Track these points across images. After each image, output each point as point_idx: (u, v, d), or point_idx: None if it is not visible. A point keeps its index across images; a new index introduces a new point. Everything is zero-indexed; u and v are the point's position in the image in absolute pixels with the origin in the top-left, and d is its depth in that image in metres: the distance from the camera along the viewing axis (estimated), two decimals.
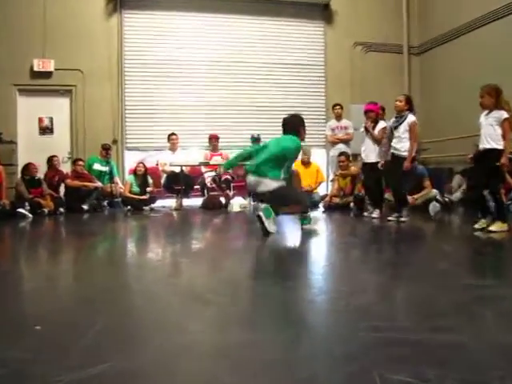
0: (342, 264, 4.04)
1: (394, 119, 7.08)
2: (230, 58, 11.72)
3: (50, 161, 9.86)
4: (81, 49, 10.83)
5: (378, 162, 7.43)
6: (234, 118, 11.67)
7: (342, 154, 9.30)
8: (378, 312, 2.45)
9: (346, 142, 9.99)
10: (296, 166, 10.03)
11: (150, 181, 9.91)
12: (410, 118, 6.86)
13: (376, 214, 7.51)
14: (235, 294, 2.92)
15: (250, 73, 11.83)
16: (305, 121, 6.06)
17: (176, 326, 2.28)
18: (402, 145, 6.86)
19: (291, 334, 2.15)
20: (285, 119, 6.04)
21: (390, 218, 7.02)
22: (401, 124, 6.89)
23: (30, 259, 4.28)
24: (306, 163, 10.10)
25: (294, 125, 5.93)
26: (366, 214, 7.87)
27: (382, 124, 7.59)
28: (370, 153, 7.61)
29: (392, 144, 6.99)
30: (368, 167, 7.68)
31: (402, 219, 6.89)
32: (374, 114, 7.62)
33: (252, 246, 5.12)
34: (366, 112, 7.70)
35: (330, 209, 9.06)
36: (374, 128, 7.56)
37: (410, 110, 6.95)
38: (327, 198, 9.34)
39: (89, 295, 2.91)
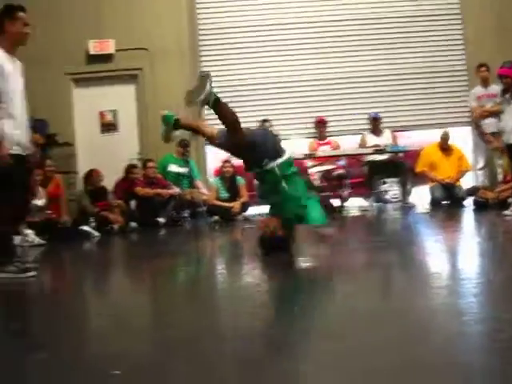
0: (502, 282, 3.89)
1: None
2: (333, 16, 11.63)
3: (131, 169, 10.05)
4: (144, 22, 11.17)
5: None
6: (346, 95, 11.55)
7: None
8: None
9: (496, 114, 9.64)
10: (432, 152, 9.88)
11: (242, 183, 9.96)
12: None
13: None
14: None
15: (361, 34, 11.67)
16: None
17: None
18: None
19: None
20: None
21: None
22: None
23: (97, 291, 4.44)
24: (445, 149, 9.86)
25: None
26: (507, 212, 7.52)
27: None
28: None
29: None
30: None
31: None
32: (510, 79, 7.33)
33: (377, 263, 5.06)
34: (500, 77, 7.45)
35: (479, 206, 8.74)
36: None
37: None
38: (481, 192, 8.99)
39: (169, 337, 2.97)
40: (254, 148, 5.09)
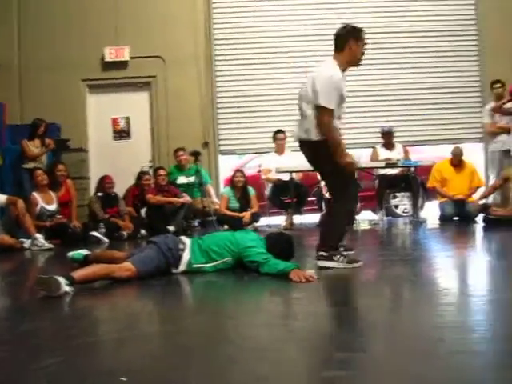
0: None
1: None
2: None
3: (143, 176, 10.03)
4: (160, 30, 11.27)
5: None
6: (358, 108, 11.53)
7: None
8: None
9: (509, 132, 9.64)
10: (444, 168, 9.88)
11: (252, 193, 9.98)
12: None
13: None
14: None
15: (374, 48, 11.56)
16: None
17: None
18: None
19: None
20: None
21: None
22: None
23: (107, 295, 4.46)
24: (457, 164, 9.86)
25: None
26: None
27: None
28: None
29: None
30: None
31: None
32: None
33: (387, 276, 5.06)
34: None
35: (489, 223, 8.75)
36: None
37: None
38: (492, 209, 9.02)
39: (183, 343, 2.99)
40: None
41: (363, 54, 5.38)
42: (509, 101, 8.60)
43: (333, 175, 5.36)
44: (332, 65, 5.30)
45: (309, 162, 5.67)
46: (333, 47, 5.43)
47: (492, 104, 9.92)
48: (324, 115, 5.06)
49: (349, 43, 5.27)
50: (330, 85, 5.12)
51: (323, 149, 5.16)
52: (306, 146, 5.42)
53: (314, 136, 5.19)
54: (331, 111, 5.08)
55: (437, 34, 11.71)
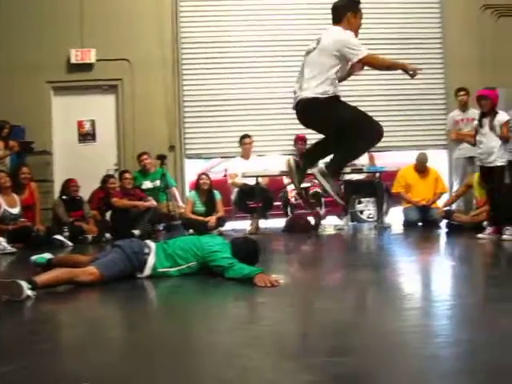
0: (476, 304, 3.92)
1: None
2: (313, 35, 11.63)
3: (108, 179, 10.00)
4: (127, 33, 11.19)
5: (501, 166, 7.35)
6: None
7: None
8: None
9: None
10: (408, 174, 9.97)
11: (218, 197, 9.96)
12: None
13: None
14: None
15: None
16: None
17: None
18: None
19: None
20: None
21: None
22: None
23: (68, 302, 4.42)
24: (421, 171, 9.95)
25: None
26: (480, 235, 7.63)
27: (502, 116, 7.42)
28: (491, 153, 7.49)
29: None
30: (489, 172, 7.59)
31: None
32: (489, 102, 7.45)
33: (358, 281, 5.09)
34: (479, 99, 7.58)
35: (452, 229, 8.86)
36: (491, 122, 7.42)
37: None
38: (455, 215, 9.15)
39: (147, 349, 2.97)
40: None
41: (360, 26, 5.55)
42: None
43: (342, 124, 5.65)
44: (338, 27, 5.45)
45: (308, 125, 6.13)
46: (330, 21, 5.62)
47: (456, 112, 10.05)
48: (371, 61, 5.58)
49: (347, 16, 5.39)
50: (351, 37, 5.36)
51: (323, 105, 5.48)
52: (305, 105, 5.67)
53: (313, 94, 5.46)
54: (369, 54, 5.42)
55: (402, 41, 11.81)
